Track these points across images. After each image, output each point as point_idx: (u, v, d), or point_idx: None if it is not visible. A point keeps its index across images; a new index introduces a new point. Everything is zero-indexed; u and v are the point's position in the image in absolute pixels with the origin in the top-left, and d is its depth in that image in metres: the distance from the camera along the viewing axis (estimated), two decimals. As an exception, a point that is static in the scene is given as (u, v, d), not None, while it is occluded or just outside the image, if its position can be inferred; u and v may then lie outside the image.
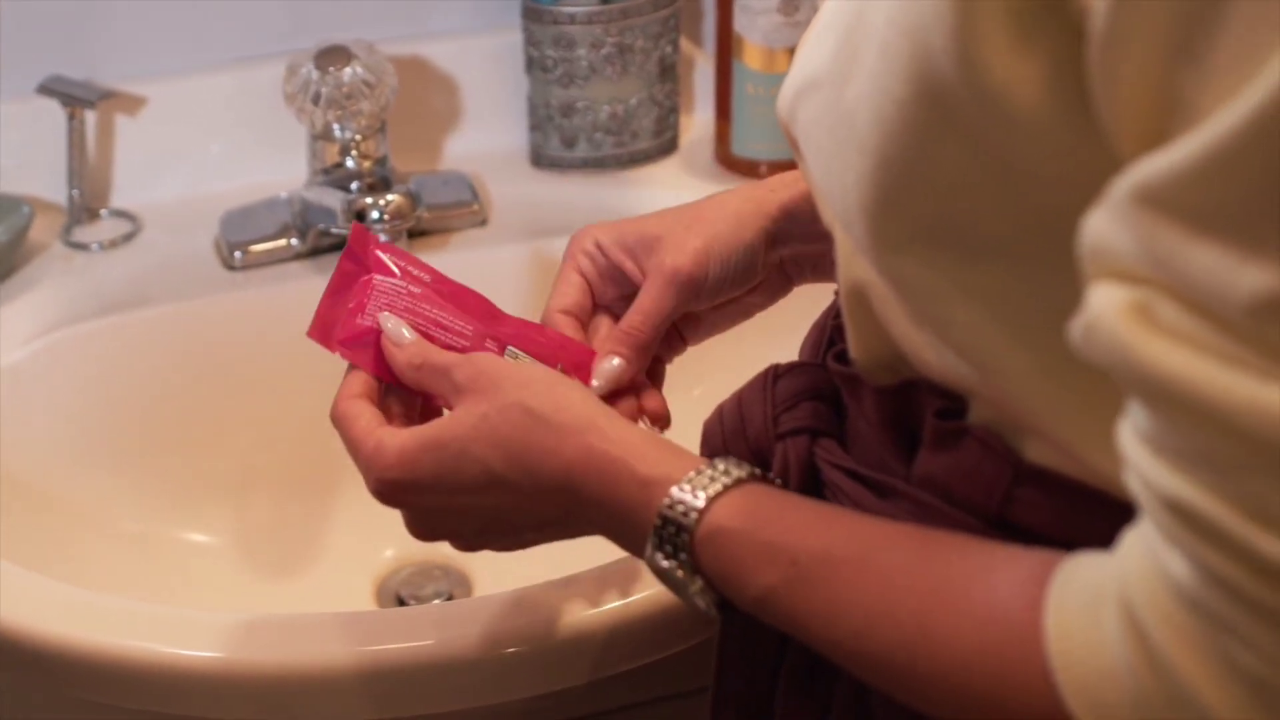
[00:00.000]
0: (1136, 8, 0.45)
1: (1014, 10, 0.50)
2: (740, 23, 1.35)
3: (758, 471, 0.69)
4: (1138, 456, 0.50)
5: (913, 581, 0.60)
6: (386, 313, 0.81)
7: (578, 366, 0.83)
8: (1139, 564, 0.51)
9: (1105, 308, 0.48)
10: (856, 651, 0.62)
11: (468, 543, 0.80)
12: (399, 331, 0.80)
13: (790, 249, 0.85)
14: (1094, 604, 0.53)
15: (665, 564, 0.67)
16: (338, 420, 0.79)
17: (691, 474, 0.68)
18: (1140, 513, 0.51)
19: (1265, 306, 0.44)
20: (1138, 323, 0.47)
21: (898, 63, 0.55)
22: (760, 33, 1.34)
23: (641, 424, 0.83)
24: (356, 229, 0.86)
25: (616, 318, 0.85)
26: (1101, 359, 0.49)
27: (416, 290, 0.83)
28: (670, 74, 1.41)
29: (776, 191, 0.84)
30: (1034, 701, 0.54)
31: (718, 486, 0.67)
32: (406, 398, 0.81)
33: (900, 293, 0.61)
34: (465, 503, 0.75)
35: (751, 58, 1.35)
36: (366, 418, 0.78)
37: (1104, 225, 0.48)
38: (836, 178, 0.61)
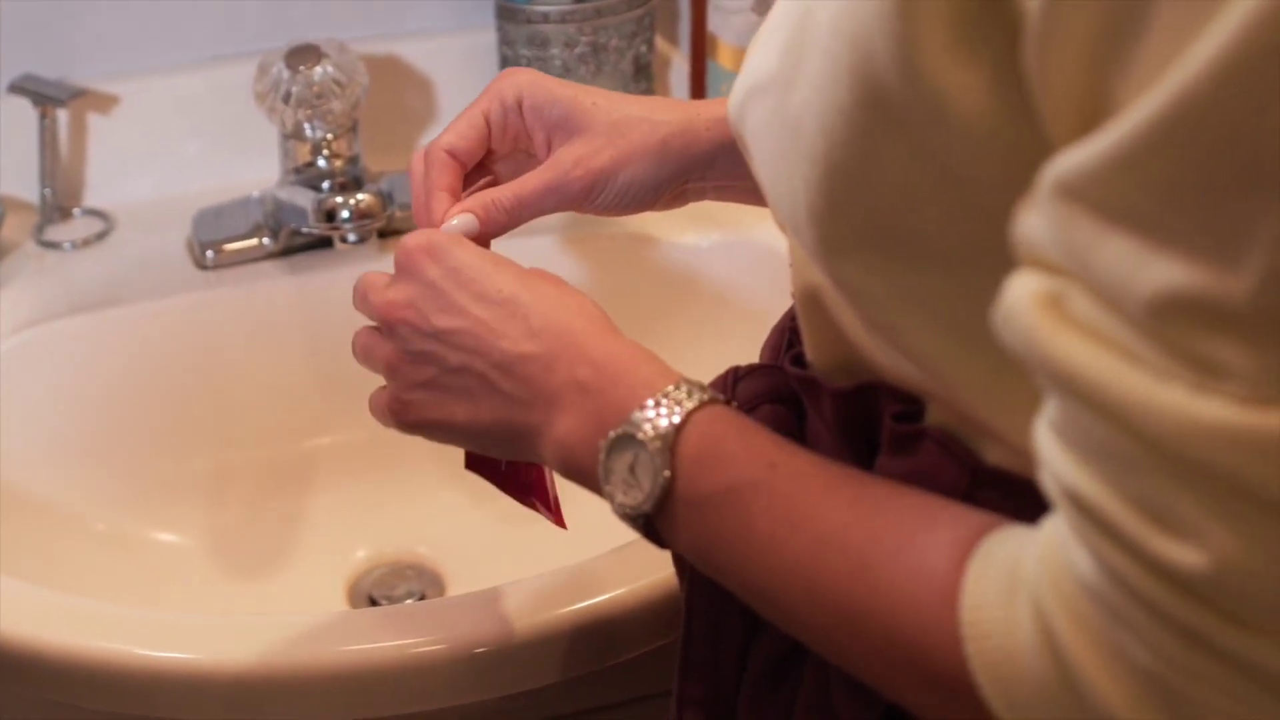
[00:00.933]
0: (1067, 8, 0.46)
1: (955, 17, 0.50)
2: (714, 22, 1.35)
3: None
4: (1047, 447, 0.50)
5: (868, 512, 0.60)
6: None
7: None
8: (1049, 550, 0.51)
9: (1019, 296, 0.48)
10: (795, 574, 0.61)
11: (414, 382, 0.76)
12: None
13: (703, 182, 0.85)
14: (1009, 582, 0.53)
15: (647, 430, 0.66)
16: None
17: (669, 387, 0.68)
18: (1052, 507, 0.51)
19: (1167, 304, 0.44)
20: (1047, 313, 0.47)
21: (842, 69, 0.55)
22: (734, 33, 1.34)
23: None
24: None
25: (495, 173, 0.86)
26: (1014, 347, 0.49)
27: None
28: (645, 73, 1.41)
29: (711, 129, 0.83)
30: (946, 664, 0.55)
31: (709, 395, 0.67)
32: None
33: (849, 298, 0.62)
34: (457, 317, 0.74)
35: (726, 58, 1.35)
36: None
37: (1030, 218, 0.48)
38: (784, 183, 0.61)
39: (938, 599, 0.56)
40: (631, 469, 0.67)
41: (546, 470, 0.84)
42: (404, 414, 0.77)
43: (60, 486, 1.20)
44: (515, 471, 0.85)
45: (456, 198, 0.82)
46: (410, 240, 0.77)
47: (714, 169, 0.84)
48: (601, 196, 0.83)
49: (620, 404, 0.68)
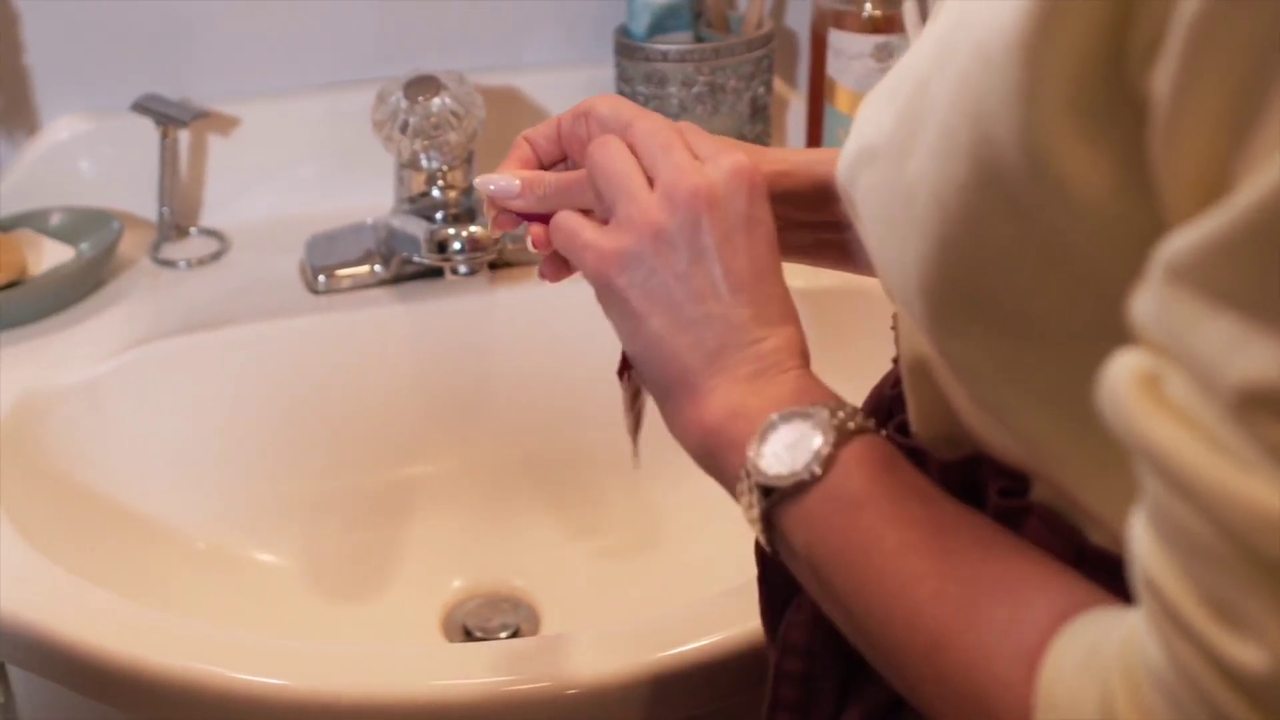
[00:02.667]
0: (1195, 94, 0.45)
1: (1080, 103, 0.49)
2: (833, 67, 1.34)
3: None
4: (1138, 533, 0.49)
5: (984, 555, 0.60)
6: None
7: None
8: (1129, 635, 0.50)
9: (1119, 374, 0.47)
10: (900, 597, 0.61)
11: (647, 262, 0.71)
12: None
13: (799, 230, 0.85)
14: (1089, 658, 0.52)
15: (826, 417, 0.65)
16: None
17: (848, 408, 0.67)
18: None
19: (1256, 393, 0.43)
20: (1145, 393, 0.46)
21: (959, 145, 0.54)
22: (853, 77, 1.33)
23: None
24: None
25: None
26: (1112, 425, 0.48)
27: None
28: (762, 115, 1.40)
29: (812, 169, 0.83)
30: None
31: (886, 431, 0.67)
32: None
33: (956, 374, 0.61)
34: (722, 250, 0.71)
35: (844, 102, 1.34)
36: None
37: (1142, 298, 0.47)
38: (895, 254, 0.60)
39: (1022, 657, 0.55)
40: (791, 446, 0.65)
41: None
42: (616, 274, 0.72)
43: (163, 503, 1.22)
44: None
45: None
46: (735, 154, 0.73)
47: (813, 209, 0.83)
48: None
49: (812, 400, 0.67)
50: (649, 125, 0.74)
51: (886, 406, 0.75)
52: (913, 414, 0.69)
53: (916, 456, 0.68)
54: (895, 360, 0.75)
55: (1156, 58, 0.47)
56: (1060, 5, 0.49)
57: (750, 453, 0.66)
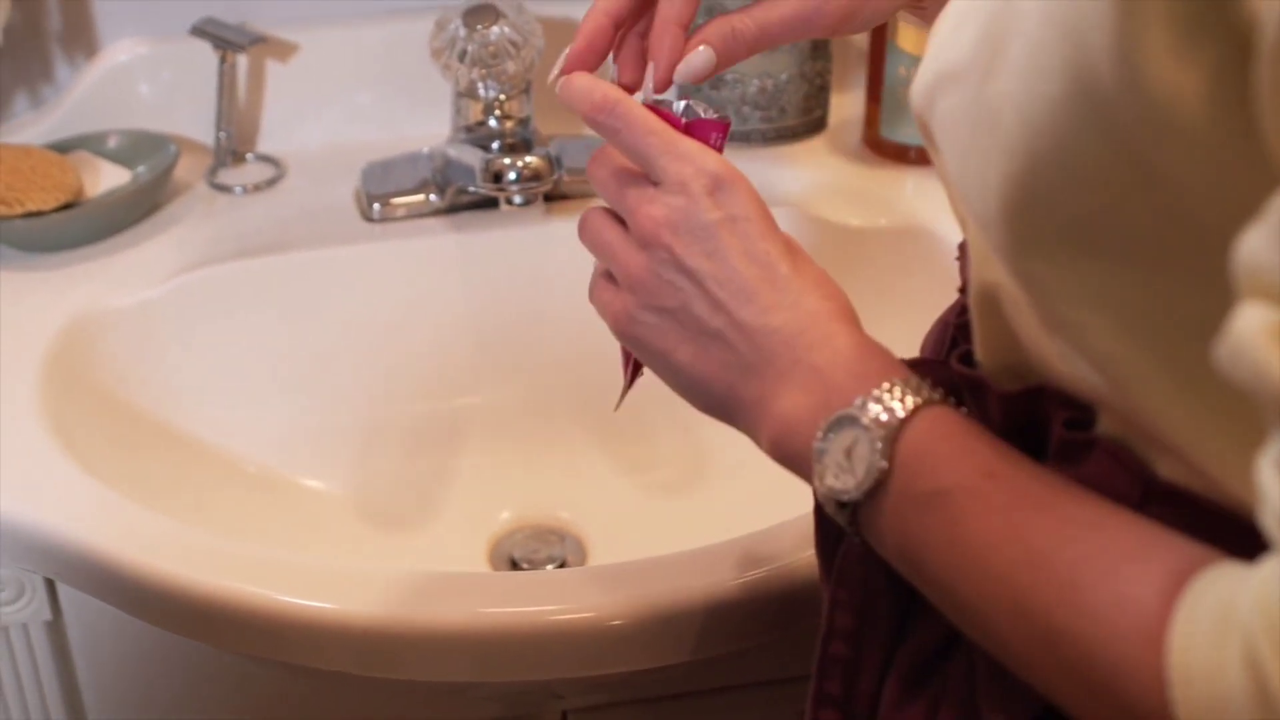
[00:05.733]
0: None
1: (1178, 16, 0.48)
2: None
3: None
4: (1274, 489, 0.47)
5: (1079, 535, 0.58)
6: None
7: None
8: (1267, 592, 0.49)
9: (1249, 329, 0.46)
10: (1001, 588, 0.59)
11: (652, 304, 0.73)
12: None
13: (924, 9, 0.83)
14: (1222, 624, 0.51)
15: (871, 415, 0.64)
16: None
17: (916, 380, 0.66)
18: (1274, 547, 0.49)
19: None
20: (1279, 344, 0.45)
21: (1051, 60, 0.53)
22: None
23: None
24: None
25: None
26: (1243, 381, 0.46)
27: None
28: (823, 51, 1.39)
29: None
30: (1146, 701, 0.53)
31: (939, 395, 0.66)
32: None
33: (1035, 297, 0.59)
34: (708, 267, 0.71)
35: (906, 40, 1.32)
36: None
37: (1258, 244, 0.46)
38: (975, 176, 0.59)
39: (1143, 633, 0.53)
40: (848, 453, 0.65)
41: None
42: (629, 328, 0.74)
43: (216, 428, 1.22)
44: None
45: (683, 30, 0.77)
46: (693, 158, 0.72)
47: None
48: (847, 28, 0.79)
49: (849, 389, 0.66)
50: (599, 173, 0.75)
51: (951, 335, 0.74)
52: (979, 344, 0.68)
53: (977, 388, 0.67)
54: (961, 290, 0.74)
55: None
56: None
57: (815, 469, 0.66)
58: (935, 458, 0.63)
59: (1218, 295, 0.48)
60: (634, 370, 0.81)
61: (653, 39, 0.77)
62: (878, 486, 0.64)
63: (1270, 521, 0.48)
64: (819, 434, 0.66)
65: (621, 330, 0.75)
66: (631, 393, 0.82)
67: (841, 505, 0.66)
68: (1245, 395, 0.46)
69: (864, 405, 0.65)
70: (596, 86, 0.75)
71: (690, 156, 0.72)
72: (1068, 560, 0.57)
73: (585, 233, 0.76)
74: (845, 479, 0.65)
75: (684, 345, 0.72)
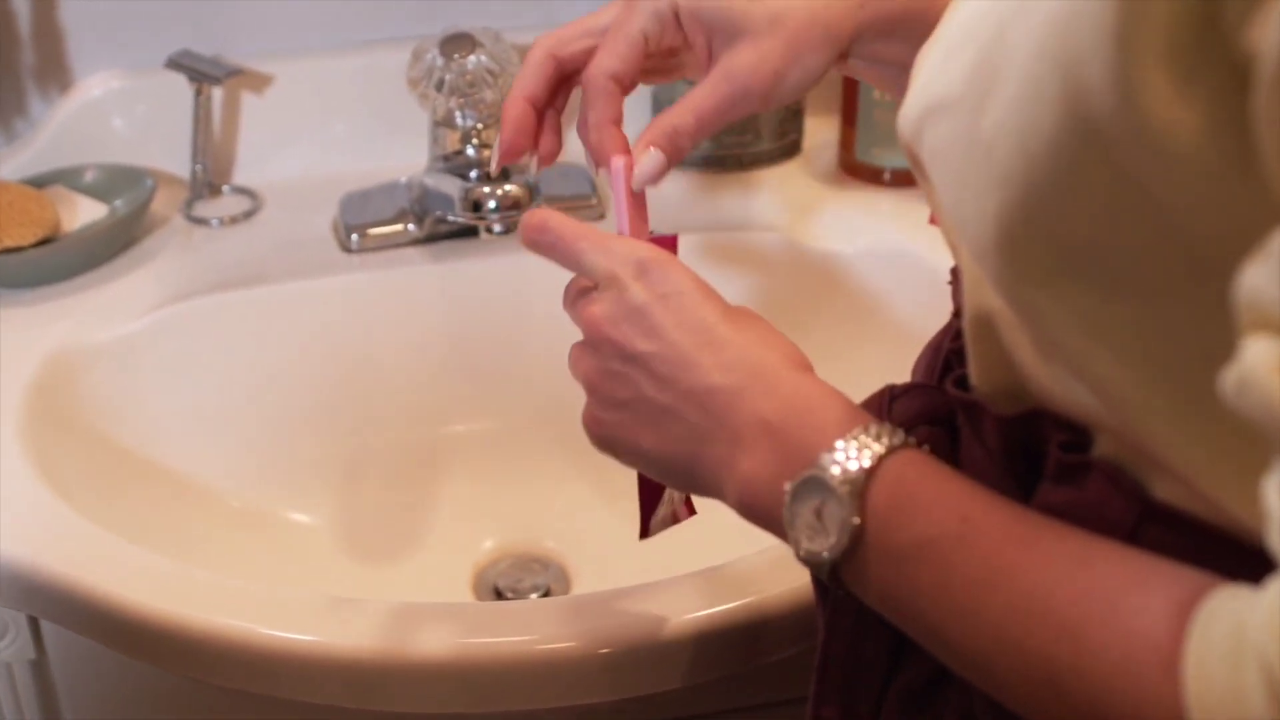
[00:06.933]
0: None
1: (1177, 49, 0.48)
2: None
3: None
4: (1274, 500, 0.48)
5: (1073, 572, 0.58)
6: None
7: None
8: (1274, 606, 0.49)
9: (1260, 364, 0.46)
10: (997, 635, 0.59)
11: (610, 401, 0.75)
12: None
13: (845, 65, 0.83)
14: (1235, 649, 0.50)
15: (835, 474, 0.64)
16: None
17: (876, 425, 0.66)
18: None
19: None
20: None
21: (1046, 92, 0.53)
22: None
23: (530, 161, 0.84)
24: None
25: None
26: (1253, 414, 0.46)
27: None
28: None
29: (865, 7, 0.80)
30: None
31: (900, 439, 0.65)
32: None
33: (1032, 326, 0.59)
34: (648, 347, 0.73)
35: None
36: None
37: (1261, 279, 0.46)
38: (970, 207, 0.59)
39: (1157, 667, 0.53)
40: (818, 514, 0.65)
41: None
42: (597, 429, 0.77)
43: (198, 462, 1.22)
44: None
45: (619, 128, 0.80)
46: (619, 252, 0.75)
47: (859, 50, 0.81)
48: (776, 97, 0.80)
49: (808, 445, 0.66)
50: (564, 303, 0.78)
51: (944, 360, 0.74)
52: (974, 368, 0.68)
53: (973, 412, 0.67)
54: (955, 314, 0.74)
55: (1259, 12, 0.45)
56: None
57: (789, 534, 0.67)
58: (909, 507, 0.63)
59: (1217, 323, 0.49)
60: (647, 493, 0.83)
61: (592, 144, 0.80)
62: (855, 543, 0.64)
63: (1277, 542, 0.48)
64: (786, 499, 0.66)
65: (593, 436, 0.77)
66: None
67: (821, 565, 0.65)
68: (1251, 426, 0.46)
69: (826, 464, 0.65)
70: (530, 215, 0.78)
71: (615, 250, 0.75)
72: (1065, 600, 0.57)
73: (570, 366, 0.78)
74: (820, 540, 0.65)
75: (646, 431, 0.73)
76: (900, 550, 0.63)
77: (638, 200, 0.81)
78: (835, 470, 0.64)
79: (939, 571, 0.61)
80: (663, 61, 0.84)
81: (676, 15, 0.80)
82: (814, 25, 0.79)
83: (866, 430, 0.65)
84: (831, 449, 0.65)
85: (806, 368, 0.71)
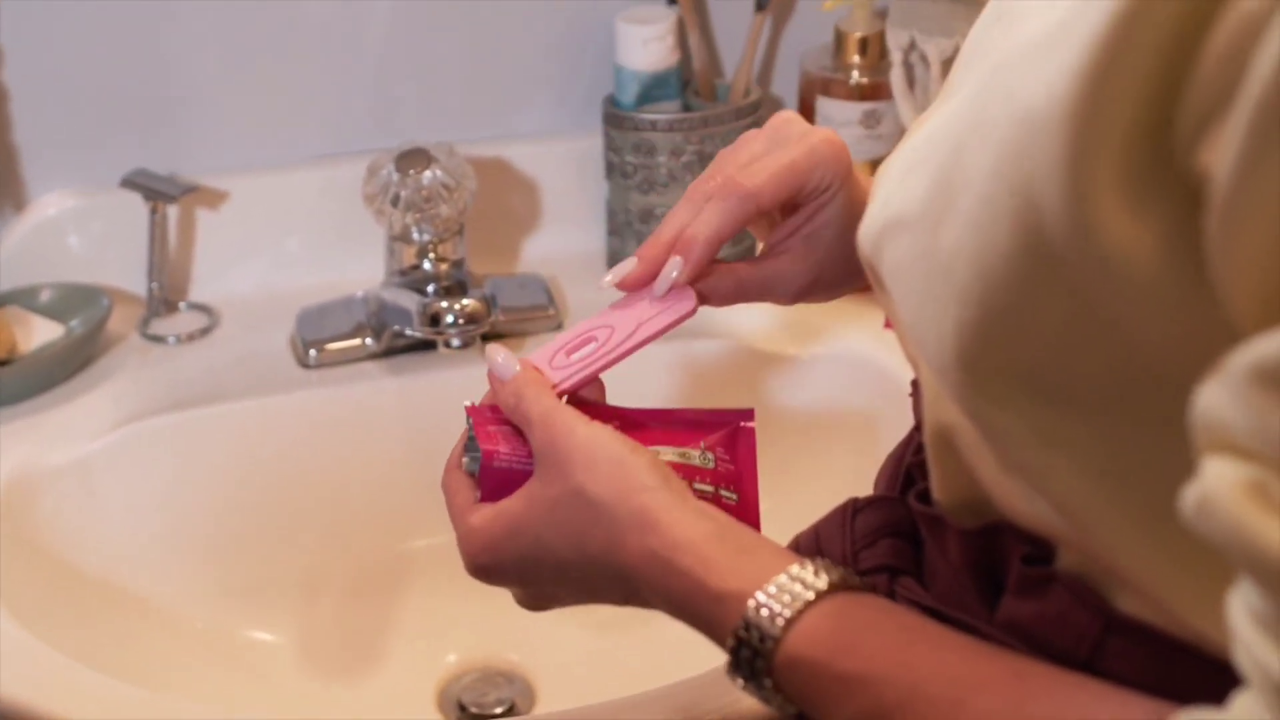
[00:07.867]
0: (1263, 181, 0.44)
1: (1131, 172, 0.49)
2: (822, 134, 1.34)
3: (844, 574, 0.65)
4: (1248, 634, 0.48)
5: (1030, 707, 0.57)
6: (504, 350, 0.79)
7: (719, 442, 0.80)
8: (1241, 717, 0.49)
9: (1219, 484, 0.46)
10: None
11: (562, 602, 0.79)
12: (509, 365, 0.78)
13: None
14: None
15: (744, 685, 0.65)
16: (444, 489, 0.80)
17: (771, 588, 0.64)
18: (1247, 684, 0.49)
19: None
20: (1253, 502, 0.45)
21: (1001, 214, 0.53)
22: (842, 145, 1.33)
23: None
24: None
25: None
26: (1214, 535, 0.47)
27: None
28: (750, 182, 1.40)
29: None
30: None
31: (798, 605, 0.63)
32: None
33: (993, 442, 0.60)
34: (547, 579, 0.75)
35: (833, 169, 1.34)
36: (464, 494, 0.78)
37: (1218, 400, 0.46)
38: (930, 324, 0.59)
39: None
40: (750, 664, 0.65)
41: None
42: (529, 606, 0.81)
43: (158, 583, 1.21)
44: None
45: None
46: (465, 564, 0.79)
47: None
48: (803, 299, 0.82)
49: (728, 605, 0.65)
50: None
51: (906, 472, 0.74)
52: (935, 482, 0.68)
53: (936, 525, 0.67)
54: (916, 428, 0.74)
55: (1211, 135, 0.46)
56: (1110, 78, 0.48)
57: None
58: (819, 699, 0.63)
59: (1175, 440, 0.49)
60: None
61: (683, 242, 0.78)
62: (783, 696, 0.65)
63: (1243, 659, 0.48)
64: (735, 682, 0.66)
65: (528, 609, 0.82)
66: None
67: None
68: (1215, 547, 0.47)
69: (732, 674, 0.65)
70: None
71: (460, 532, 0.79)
72: None
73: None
74: (782, 709, 0.66)
75: (567, 598, 0.78)
76: (834, 698, 0.63)
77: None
78: (745, 685, 0.66)
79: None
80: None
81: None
82: (839, 249, 0.80)
83: (746, 639, 0.64)
84: (731, 674, 0.66)
85: (649, 545, 0.70)
